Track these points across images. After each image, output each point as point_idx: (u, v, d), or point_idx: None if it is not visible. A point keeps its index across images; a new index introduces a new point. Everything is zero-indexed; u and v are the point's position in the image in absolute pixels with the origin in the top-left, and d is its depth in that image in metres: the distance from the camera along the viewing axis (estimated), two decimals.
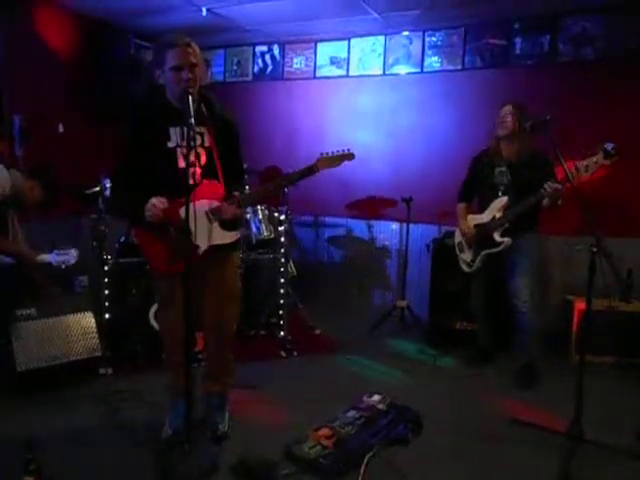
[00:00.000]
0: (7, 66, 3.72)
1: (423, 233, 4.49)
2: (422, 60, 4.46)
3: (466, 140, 4.22)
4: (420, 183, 4.48)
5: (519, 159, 3.15)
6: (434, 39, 4.39)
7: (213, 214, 2.25)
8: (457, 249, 3.49)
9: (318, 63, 4.90)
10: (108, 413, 2.74)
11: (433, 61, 4.42)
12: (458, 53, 4.31)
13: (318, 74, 4.93)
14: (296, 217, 4.74)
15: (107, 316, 3.43)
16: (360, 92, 4.77)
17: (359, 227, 4.93)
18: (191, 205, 1.94)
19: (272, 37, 4.91)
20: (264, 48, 5.12)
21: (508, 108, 3.14)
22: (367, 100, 4.76)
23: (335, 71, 4.85)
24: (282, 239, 3.82)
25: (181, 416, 2.28)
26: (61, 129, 4.13)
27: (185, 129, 1.98)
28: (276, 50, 5.07)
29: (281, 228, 3.82)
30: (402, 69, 4.57)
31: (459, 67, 4.33)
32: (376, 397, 2.82)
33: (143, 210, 2.14)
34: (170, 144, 2.20)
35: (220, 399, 2.60)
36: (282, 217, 3.81)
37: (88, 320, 3.15)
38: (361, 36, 4.67)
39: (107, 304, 3.44)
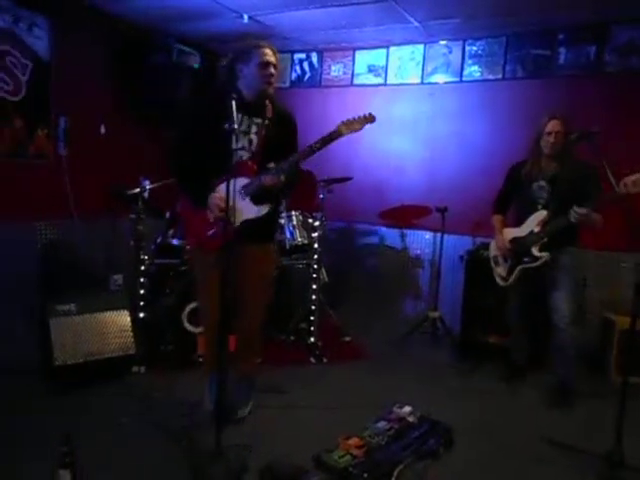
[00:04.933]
0: (55, 69, 3.84)
1: (457, 244, 4.42)
2: (461, 69, 4.41)
3: (504, 152, 4.14)
4: (455, 193, 4.42)
5: (561, 172, 3.06)
6: (474, 48, 4.33)
7: (245, 191, 2.46)
8: (492, 262, 3.41)
9: (356, 71, 4.91)
10: (141, 411, 2.78)
11: (473, 70, 4.36)
12: (499, 62, 4.24)
13: (356, 82, 4.93)
14: (329, 224, 4.74)
15: (141, 315, 3.49)
16: (397, 100, 4.75)
17: (392, 235, 4.89)
18: (234, 182, 2.18)
19: (311, 45, 4.94)
20: (302, 55, 5.16)
21: (556, 124, 3.00)
22: (404, 108, 4.73)
23: (373, 79, 4.84)
24: (316, 245, 3.82)
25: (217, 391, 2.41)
26: (103, 130, 4.24)
27: (244, 117, 2.34)
28: (314, 58, 5.10)
29: (315, 234, 3.82)
30: (440, 78, 4.54)
31: (499, 77, 4.26)
32: (406, 409, 2.78)
33: (203, 193, 2.44)
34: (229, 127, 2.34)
35: (248, 381, 2.79)
36: (316, 223, 3.81)
37: (124, 318, 3.21)
38: (400, 44, 4.65)
39: (142, 303, 3.50)
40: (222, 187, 2.34)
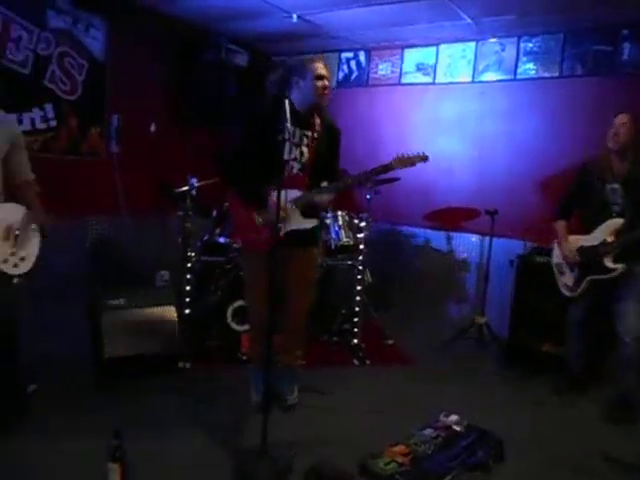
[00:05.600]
0: (109, 69, 3.95)
1: (506, 247, 4.26)
2: (515, 67, 4.26)
3: (560, 153, 3.99)
4: (505, 196, 4.28)
5: (633, 176, 2.87)
6: (530, 45, 4.17)
7: (296, 202, 2.55)
8: (556, 271, 3.22)
9: (404, 70, 4.83)
10: (186, 406, 2.81)
11: (528, 68, 4.20)
12: (555, 60, 4.07)
13: (403, 81, 4.85)
14: (374, 225, 4.67)
15: (187, 312, 3.53)
16: (446, 99, 4.64)
17: (437, 238, 4.78)
18: (283, 192, 2.27)
19: (358, 43, 4.90)
20: (350, 54, 5.12)
21: (622, 118, 2.86)
22: (452, 108, 4.62)
23: (421, 78, 4.75)
24: (361, 246, 3.77)
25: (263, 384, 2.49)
26: (153, 129, 4.32)
27: (296, 128, 2.42)
28: (362, 56, 5.05)
29: (361, 235, 3.77)
30: (492, 76, 4.40)
31: (556, 74, 4.09)
32: (453, 417, 2.69)
33: (259, 195, 2.56)
34: (281, 137, 2.46)
35: (291, 372, 2.88)
36: (362, 224, 3.76)
37: (170, 314, 3.25)
38: (451, 42, 4.54)
39: (187, 300, 3.54)
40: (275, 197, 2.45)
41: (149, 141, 4.28)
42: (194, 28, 4.50)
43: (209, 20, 4.43)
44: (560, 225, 3.20)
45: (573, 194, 3.17)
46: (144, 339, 3.09)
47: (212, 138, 4.59)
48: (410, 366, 3.65)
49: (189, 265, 3.58)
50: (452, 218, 4.62)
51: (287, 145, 2.46)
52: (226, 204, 3.74)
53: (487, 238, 4.18)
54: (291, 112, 2.38)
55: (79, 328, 3.29)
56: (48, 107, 3.59)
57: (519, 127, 4.29)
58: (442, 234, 4.75)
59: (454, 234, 4.69)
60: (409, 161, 2.54)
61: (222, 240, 3.71)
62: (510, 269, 3.95)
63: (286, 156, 2.45)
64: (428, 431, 2.54)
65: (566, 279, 3.16)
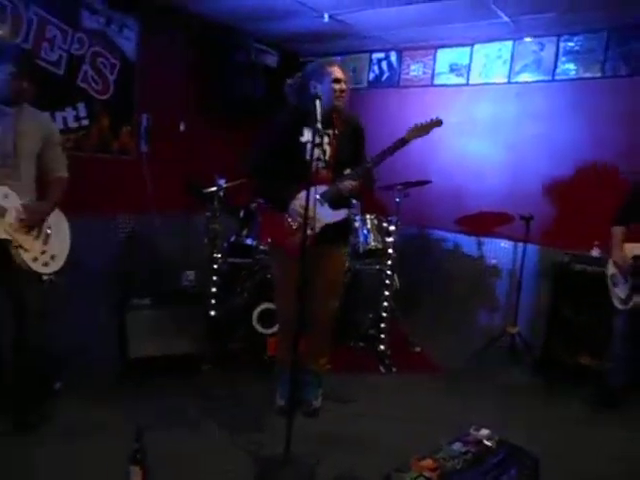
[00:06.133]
0: (140, 68, 3.96)
1: (541, 255, 4.12)
2: (554, 67, 4.10)
3: (600, 156, 3.81)
4: (541, 201, 4.13)
5: None
6: (570, 44, 4.00)
7: (323, 197, 2.58)
8: (610, 282, 3.07)
9: (437, 70, 4.71)
10: (209, 409, 2.78)
11: (568, 68, 4.03)
12: (598, 59, 3.89)
13: (436, 82, 4.73)
14: (403, 228, 4.58)
15: (212, 313, 3.51)
16: (480, 101, 4.51)
17: (468, 243, 4.65)
18: (311, 190, 2.27)
19: (390, 43, 4.81)
20: (381, 55, 5.03)
21: None
22: (486, 109, 4.48)
23: (454, 79, 4.63)
24: (390, 250, 3.68)
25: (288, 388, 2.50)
26: (182, 128, 4.32)
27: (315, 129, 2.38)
28: (393, 57, 4.96)
29: (389, 239, 3.68)
30: (529, 77, 4.24)
31: (598, 75, 3.91)
32: (484, 431, 2.56)
33: (283, 198, 2.61)
34: (302, 139, 2.61)
35: (315, 377, 2.86)
36: (391, 228, 3.68)
37: (196, 315, 3.23)
38: (486, 42, 4.41)
39: (213, 301, 3.52)
40: (302, 195, 2.49)
41: (178, 140, 4.30)
42: (224, 28, 4.49)
43: (239, 20, 4.41)
44: (617, 231, 3.06)
45: (630, 202, 3.04)
46: (169, 340, 3.08)
47: (241, 138, 4.57)
48: (438, 375, 3.55)
49: (215, 266, 3.55)
50: (483, 223, 4.48)
51: (309, 146, 2.51)
52: (253, 205, 3.72)
53: (520, 244, 4.04)
54: (311, 115, 2.43)
55: (106, 326, 3.30)
56: (80, 106, 3.62)
57: (557, 130, 4.13)
58: (472, 239, 4.61)
59: (485, 239, 4.55)
60: (423, 129, 2.58)
61: (249, 241, 3.69)
62: (545, 277, 3.81)
63: (309, 157, 2.50)
64: (457, 445, 2.43)
65: (619, 291, 3.01)
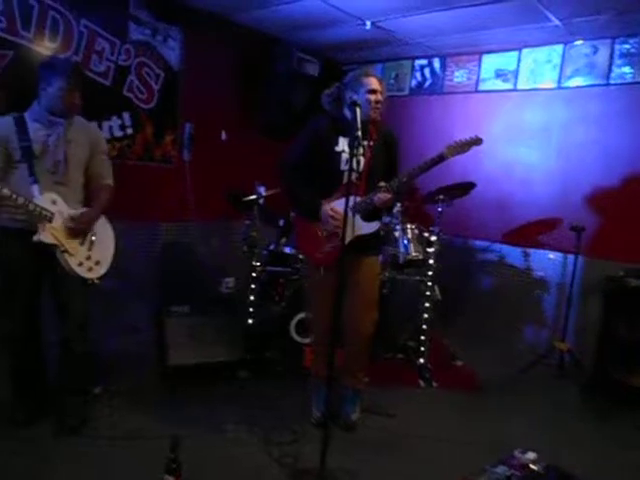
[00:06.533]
0: (183, 78, 4.03)
1: (592, 268, 3.91)
2: (609, 71, 3.90)
3: None
4: (594, 211, 3.93)
5: None
6: (626, 47, 3.80)
7: (356, 208, 2.51)
8: None
9: (482, 76, 4.58)
10: (245, 418, 2.76)
11: (623, 72, 3.83)
12: None
13: (481, 88, 4.61)
14: (445, 239, 4.45)
15: (250, 321, 3.50)
16: (527, 107, 4.35)
17: (513, 254, 4.47)
18: (343, 201, 2.24)
19: (433, 50, 4.72)
20: (424, 62, 4.94)
21: None
22: (534, 116, 4.32)
23: (500, 85, 4.49)
24: (431, 261, 3.58)
25: (324, 401, 2.50)
26: (224, 137, 4.37)
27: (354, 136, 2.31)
28: (436, 63, 4.86)
29: (431, 249, 3.58)
30: (581, 81, 4.06)
31: None
32: (530, 455, 2.43)
33: (314, 206, 2.57)
34: (337, 148, 2.58)
35: (354, 392, 2.80)
36: (433, 238, 3.57)
37: (234, 323, 3.22)
38: (534, 46, 4.25)
39: (251, 310, 3.51)
40: (334, 204, 2.52)
41: (220, 149, 4.34)
42: (266, 37, 4.52)
43: (282, 30, 4.43)
44: None
45: None
46: (207, 348, 3.08)
47: (282, 147, 4.58)
48: (481, 392, 3.40)
49: (254, 275, 3.54)
50: (530, 234, 4.31)
51: (343, 156, 2.53)
52: (292, 214, 3.70)
53: (570, 256, 3.85)
54: (346, 125, 2.41)
55: (146, 332, 3.35)
56: (126, 115, 3.71)
57: (611, 136, 3.92)
58: (518, 250, 4.44)
59: (531, 250, 4.37)
60: (463, 147, 2.50)
61: (288, 250, 3.67)
62: (598, 291, 3.60)
63: (343, 167, 2.51)
64: (501, 469, 2.31)
65: None
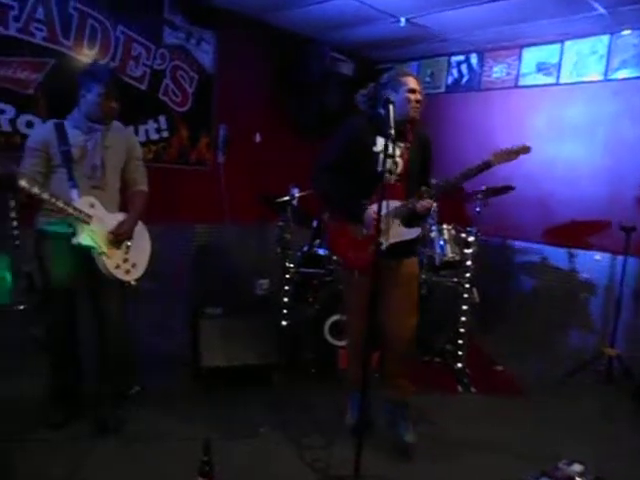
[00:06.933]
0: (217, 80, 4.06)
1: None
2: None
3: None
4: None
5: None
6: None
7: (396, 213, 2.45)
8: None
9: (522, 71, 4.42)
10: (279, 421, 2.73)
11: None
12: None
13: (521, 83, 4.44)
14: (483, 239, 4.32)
15: (284, 323, 3.48)
16: (571, 101, 4.16)
17: (556, 255, 4.28)
18: (383, 203, 2.21)
19: (471, 45, 4.59)
20: (461, 58, 4.82)
21: None
22: (579, 110, 4.13)
23: (542, 79, 4.31)
24: (468, 262, 3.47)
25: (359, 407, 2.40)
26: (258, 139, 4.37)
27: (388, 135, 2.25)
28: (474, 59, 4.73)
29: (468, 250, 3.46)
30: (630, 73, 3.85)
31: None
32: (577, 467, 2.30)
33: (357, 209, 2.46)
34: (375, 149, 2.48)
35: (402, 408, 2.65)
36: (470, 239, 3.46)
37: (267, 325, 3.21)
38: (578, 37, 4.07)
39: (285, 311, 3.49)
40: (374, 207, 2.37)
41: (254, 151, 4.35)
42: (299, 38, 4.50)
43: (315, 30, 4.40)
44: None
45: None
46: (240, 350, 3.07)
47: (316, 149, 4.55)
48: (522, 399, 3.27)
49: (288, 276, 3.52)
50: (575, 233, 4.12)
51: (381, 157, 2.41)
52: (326, 215, 3.66)
53: (619, 257, 3.65)
54: (383, 124, 2.33)
55: (181, 334, 3.37)
56: (161, 119, 3.77)
57: None
58: (561, 251, 4.25)
59: (576, 251, 4.18)
60: (510, 155, 2.40)
61: (322, 252, 3.64)
62: None
63: (380, 168, 2.41)
64: None
65: None
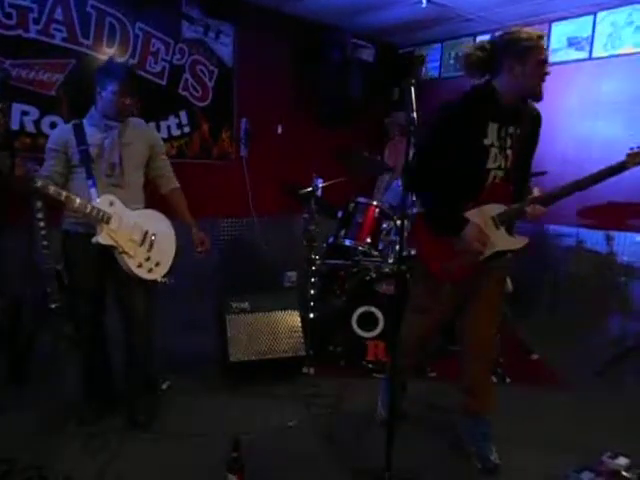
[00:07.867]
0: (237, 73, 4.02)
1: None
2: None
3: None
4: None
5: None
6: None
7: (500, 219, 2.11)
8: None
9: (552, 47, 4.24)
10: (308, 415, 2.70)
11: None
12: None
13: (551, 59, 4.22)
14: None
15: (311, 315, 3.44)
16: (606, 76, 3.97)
17: (594, 238, 4.12)
18: (479, 210, 2.01)
19: (496, 23, 4.42)
20: (486, 37, 4.64)
21: None
22: (615, 86, 3.93)
23: (573, 54, 4.13)
24: None
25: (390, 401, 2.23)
26: (280, 130, 4.33)
27: (501, 128, 1.98)
28: None
29: None
30: None
31: None
32: (622, 460, 2.20)
33: (456, 223, 2.05)
34: (486, 141, 2.05)
35: (483, 424, 2.34)
36: None
37: (295, 318, 3.17)
38: (612, 7, 3.87)
39: (312, 304, 3.45)
40: (473, 214, 2.06)
41: (276, 143, 4.30)
42: (318, 26, 4.43)
43: (333, 17, 4.32)
44: None
45: None
46: (267, 344, 3.04)
47: (338, 137, 4.49)
48: (560, 389, 3.14)
49: (314, 268, 3.47)
50: (613, 215, 3.94)
51: (492, 151, 2.04)
52: (351, 205, 3.58)
53: None
54: (496, 102, 1.98)
55: (209, 328, 3.37)
56: (182, 114, 3.76)
57: None
58: (599, 233, 4.08)
59: (615, 233, 3.99)
60: None
61: (347, 242, 3.57)
62: None
63: (490, 164, 2.04)
64: (587, 475, 2.11)
65: None
